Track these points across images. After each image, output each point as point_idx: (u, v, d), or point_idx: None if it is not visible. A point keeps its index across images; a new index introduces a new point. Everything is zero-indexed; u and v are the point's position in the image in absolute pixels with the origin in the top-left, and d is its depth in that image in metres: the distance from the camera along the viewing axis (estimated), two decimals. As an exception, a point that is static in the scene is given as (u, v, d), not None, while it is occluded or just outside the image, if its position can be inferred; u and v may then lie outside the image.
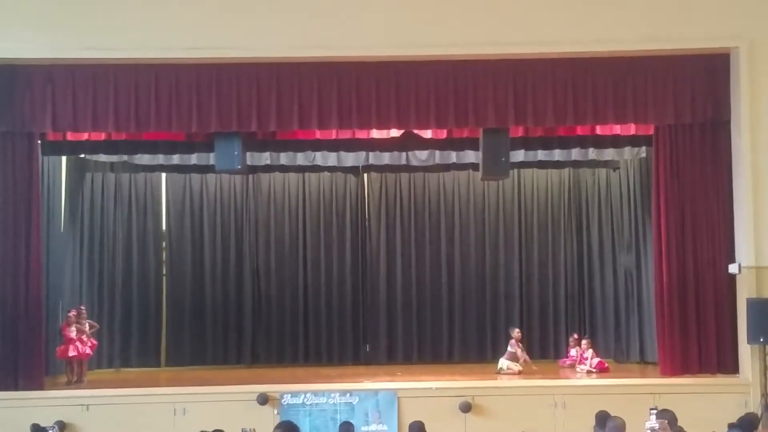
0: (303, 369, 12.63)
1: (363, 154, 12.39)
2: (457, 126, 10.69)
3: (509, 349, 11.69)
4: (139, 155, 12.19)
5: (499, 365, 11.52)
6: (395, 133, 11.16)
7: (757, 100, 10.11)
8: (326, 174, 13.45)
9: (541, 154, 12.17)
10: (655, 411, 6.03)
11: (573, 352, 12.21)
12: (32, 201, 10.37)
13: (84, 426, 9.80)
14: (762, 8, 10.26)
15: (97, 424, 9.79)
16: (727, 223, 10.42)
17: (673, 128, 10.50)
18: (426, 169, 13.12)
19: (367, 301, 13.42)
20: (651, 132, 10.72)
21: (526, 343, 12.71)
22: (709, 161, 10.50)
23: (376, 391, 10.08)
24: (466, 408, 9.81)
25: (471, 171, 13.07)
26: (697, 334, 10.37)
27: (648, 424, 5.90)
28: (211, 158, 11.27)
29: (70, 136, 10.92)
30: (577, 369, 11.74)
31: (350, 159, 12.58)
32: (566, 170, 13.46)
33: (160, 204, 13.40)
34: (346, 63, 10.33)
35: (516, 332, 11.88)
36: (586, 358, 11.71)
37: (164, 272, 13.32)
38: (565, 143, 11.63)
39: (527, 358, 11.80)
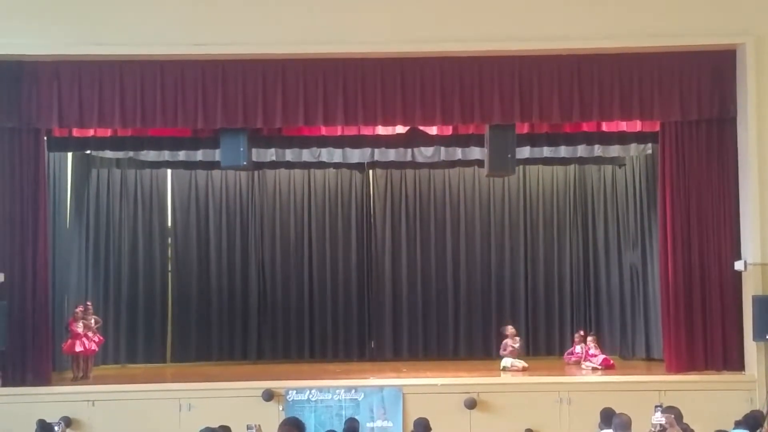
0: (308, 365, 12.65)
1: (368, 150, 12.33)
2: (462, 122, 10.66)
3: (507, 347, 11.65)
4: (144, 151, 12.16)
5: (503, 364, 11.48)
6: (401, 129, 11.16)
7: (764, 97, 10.09)
8: (331, 170, 13.43)
9: (546, 151, 12.10)
10: (660, 408, 6.03)
11: (578, 348, 12.16)
12: (38, 197, 10.41)
13: (90, 421, 9.83)
14: (768, 5, 10.25)
15: (103, 419, 9.82)
16: (733, 220, 10.40)
17: (679, 125, 10.47)
18: (431, 165, 13.05)
19: (372, 297, 13.41)
20: (657, 129, 10.69)
21: (532, 339, 12.73)
22: (715, 158, 10.48)
23: (381, 388, 10.09)
24: (471, 404, 9.81)
25: (476, 167, 13.04)
26: (702, 331, 10.36)
27: (654, 420, 5.91)
28: (216, 154, 11.27)
29: (76, 133, 10.96)
30: (583, 365, 11.71)
31: (356, 155, 12.50)
32: (572, 167, 13.42)
33: (165, 200, 13.40)
34: (352, 59, 10.32)
35: (510, 329, 11.85)
36: (592, 355, 11.69)
37: (170, 268, 13.32)
38: (570, 140, 11.60)
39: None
